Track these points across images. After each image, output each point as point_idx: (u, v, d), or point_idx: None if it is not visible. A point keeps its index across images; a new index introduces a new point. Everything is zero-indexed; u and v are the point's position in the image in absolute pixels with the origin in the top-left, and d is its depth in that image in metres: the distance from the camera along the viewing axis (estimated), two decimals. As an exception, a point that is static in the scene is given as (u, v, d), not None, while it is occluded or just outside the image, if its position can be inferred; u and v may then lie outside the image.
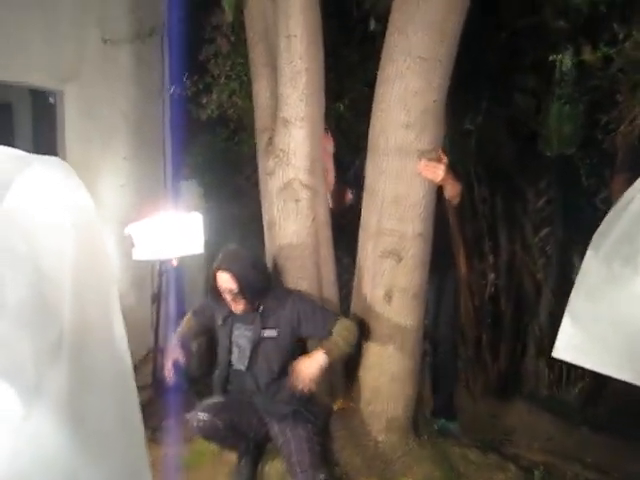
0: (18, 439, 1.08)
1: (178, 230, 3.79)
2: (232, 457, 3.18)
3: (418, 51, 2.96)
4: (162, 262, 4.23)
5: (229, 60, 4.43)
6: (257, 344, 2.97)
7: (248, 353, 2.98)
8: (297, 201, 3.26)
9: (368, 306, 3.19)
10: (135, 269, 4.49)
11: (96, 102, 4.62)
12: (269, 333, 2.96)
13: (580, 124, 3.91)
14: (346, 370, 3.32)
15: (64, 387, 1.12)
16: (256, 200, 3.58)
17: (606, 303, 1.50)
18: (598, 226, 1.63)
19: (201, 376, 4.23)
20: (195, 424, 2.92)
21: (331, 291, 3.38)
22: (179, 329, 3.30)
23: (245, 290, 2.91)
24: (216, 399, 3.06)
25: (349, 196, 3.62)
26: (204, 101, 4.55)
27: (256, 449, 3.13)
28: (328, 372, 2.97)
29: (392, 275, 3.12)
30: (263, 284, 2.98)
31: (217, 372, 3.12)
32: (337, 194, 3.57)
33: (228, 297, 2.95)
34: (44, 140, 4.73)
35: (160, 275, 4.32)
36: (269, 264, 3.32)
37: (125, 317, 1.30)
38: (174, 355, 3.15)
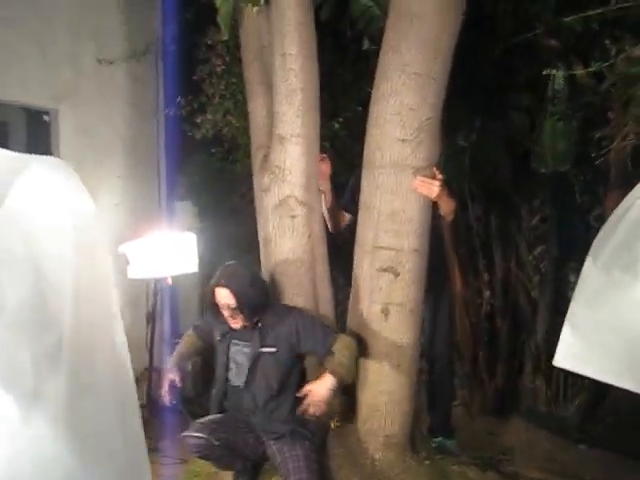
0: (17, 443, 1.07)
1: (172, 249, 3.79)
2: (228, 477, 3.13)
3: (413, 68, 2.99)
4: (157, 281, 4.22)
5: (224, 79, 4.46)
6: (256, 360, 2.94)
7: (246, 369, 2.96)
8: (293, 217, 3.25)
9: (365, 322, 3.17)
10: (130, 288, 4.47)
11: (91, 121, 4.63)
12: (268, 349, 2.94)
13: (574, 141, 3.94)
14: (342, 387, 3.29)
15: (63, 391, 1.11)
16: (251, 218, 3.58)
17: (606, 310, 1.49)
18: (591, 244, 1.64)
19: (196, 396, 4.20)
20: (191, 443, 2.89)
21: (327, 308, 3.37)
22: (177, 348, 3.28)
23: (244, 306, 2.89)
24: (212, 417, 3.02)
25: (346, 217, 3.62)
26: (199, 120, 4.58)
27: (253, 468, 3.08)
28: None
29: (389, 290, 3.11)
30: (262, 300, 2.97)
31: (214, 389, 3.10)
32: (334, 216, 3.58)
33: (226, 313, 2.94)
34: (39, 159, 4.72)
35: (155, 294, 4.31)
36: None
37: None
38: (171, 376, 3.12)
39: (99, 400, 1.17)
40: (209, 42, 4.46)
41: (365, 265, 3.19)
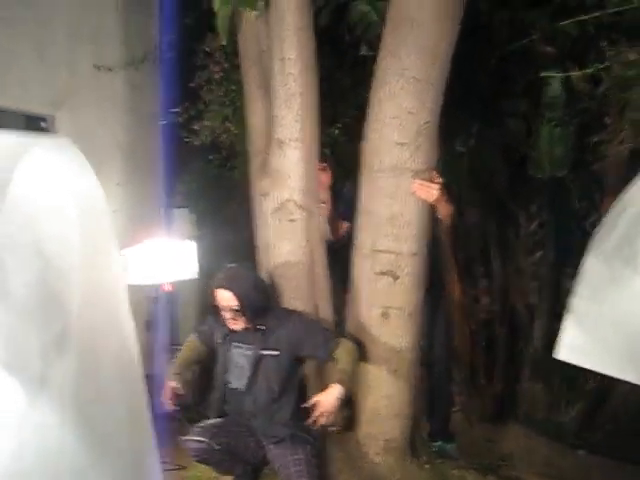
0: (23, 429, 1.06)
1: (172, 255, 3.79)
2: (228, 482, 3.12)
3: (411, 72, 3.01)
4: (156, 288, 4.21)
5: (222, 86, 4.47)
6: (257, 363, 2.94)
7: (248, 372, 2.95)
8: (292, 221, 3.26)
9: (364, 326, 3.17)
10: (128, 294, 4.46)
11: (89, 128, 4.64)
12: (270, 352, 2.93)
13: (571, 146, 3.95)
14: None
15: (70, 378, 1.10)
16: (249, 225, 3.58)
17: (607, 304, 1.50)
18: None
19: (194, 403, 4.18)
20: (191, 447, 2.88)
21: (326, 311, 3.36)
22: (179, 354, 3.26)
23: (246, 309, 2.90)
24: (212, 422, 3.01)
25: (344, 226, 3.63)
26: (197, 127, 4.58)
27: (253, 473, 3.07)
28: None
29: (388, 294, 3.12)
30: (263, 303, 2.97)
31: (213, 394, 3.08)
32: (334, 225, 3.59)
33: (227, 315, 2.93)
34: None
35: (154, 301, 4.29)
36: (265, 284, 3.30)
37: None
38: (173, 384, 3.10)
39: (106, 387, 1.15)
40: (207, 49, 4.47)
41: (364, 269, 3.20)
